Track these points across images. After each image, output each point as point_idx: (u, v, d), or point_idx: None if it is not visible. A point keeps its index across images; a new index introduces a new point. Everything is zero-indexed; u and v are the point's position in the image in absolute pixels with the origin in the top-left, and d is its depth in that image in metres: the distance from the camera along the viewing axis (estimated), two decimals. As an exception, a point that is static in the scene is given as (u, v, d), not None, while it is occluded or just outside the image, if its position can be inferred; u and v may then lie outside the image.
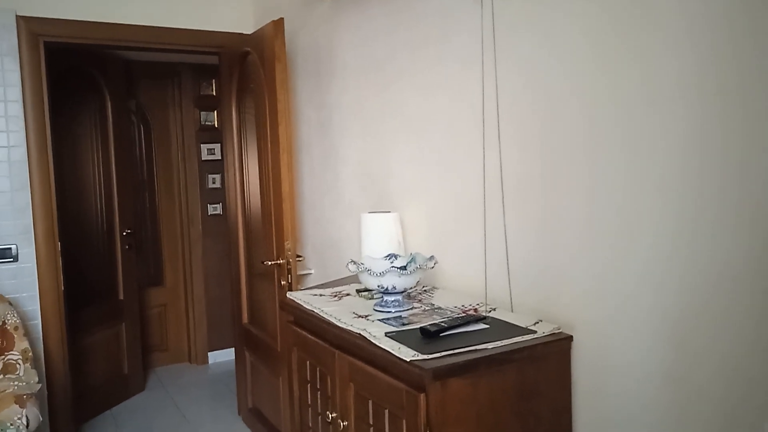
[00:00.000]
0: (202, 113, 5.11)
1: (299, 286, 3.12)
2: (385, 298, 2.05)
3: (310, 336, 2.13)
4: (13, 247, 3.26)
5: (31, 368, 2.86)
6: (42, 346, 3.33)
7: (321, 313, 2.07)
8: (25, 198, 3.27)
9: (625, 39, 1.58)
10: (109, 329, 4.27)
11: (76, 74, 4.05)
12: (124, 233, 4.34)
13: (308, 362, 2.16)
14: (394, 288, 2.02)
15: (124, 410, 4.22)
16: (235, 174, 3.74)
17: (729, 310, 1.40)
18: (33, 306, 3.31)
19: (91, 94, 4.18)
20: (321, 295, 2.35)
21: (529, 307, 1.93)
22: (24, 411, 2.61)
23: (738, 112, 1.35)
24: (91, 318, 4.06)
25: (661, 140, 1.51)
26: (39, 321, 3.33)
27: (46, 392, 3.32)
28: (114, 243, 4.31)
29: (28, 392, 2.74)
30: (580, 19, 1.71)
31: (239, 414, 3.95)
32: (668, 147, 1.50)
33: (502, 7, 1.97)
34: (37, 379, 2.86)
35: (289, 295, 2.41)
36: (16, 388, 2.73)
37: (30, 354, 2.90)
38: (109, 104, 4.25)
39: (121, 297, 4.38)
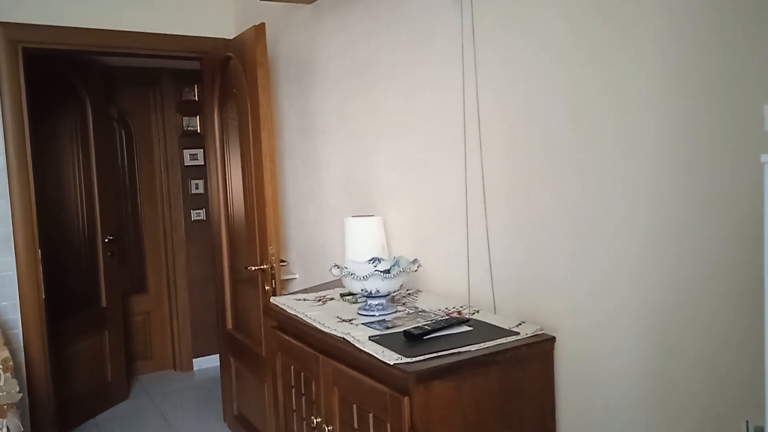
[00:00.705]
0: (185, 119, 5.08)
1: (283, 291, 3.11)
2: (369, 301, 2.06)
3: (294, 341, 2.12)
4: (-7, 255, 3.22)
5: (12, 378, 2.83)
6: (23, 355, 3.29)
7: (305, 318, 2.07)
8: (4, 206, 3.23)
9: (611, 37, 1.60)
10: (92, 337, 4.22)
11: (56, 81, 4.01)
12: (106, 240, 4.30)
13: (292, 367, 2.15)
14: (378, 291, 2.02)
15: (108, 419, 4.18)
16: (217, 179, 3.72)
17: (713, 311, 1.41)
18: (14, 315, 3.27)
19: (71, 101, 4.14)
20: (305, 299, 2.35)
21: (512, 309, 1.94)
22: (5, 421, 2.58)
23: (725, 113, 1.36)
24: (73, 326, 4.01)
25: (647, 141, 1.52)
26: (20, 330, 3.29)
27: (27, 402, 3.27)
28: (96, 250, 4.27)
29: (9, 402, 2.71)
30: (562, 16, 1.72)
31: (225, 420, 3.93)
32: (654, 148, 1.51)
33: (482, 7, 1.98)
34: (18, 388, 2.82)
35: (273, 300, 2.40)
36: (-4, 398, 2.69)
37: (11, 363, 2.86)
38: (89, 111, 4.21)
39: (104, 305, 4.33)
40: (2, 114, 3.21)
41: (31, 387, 3.32)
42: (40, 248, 3.36)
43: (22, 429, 2.67)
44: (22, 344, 3.29)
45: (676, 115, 1.45)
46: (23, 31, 3.26)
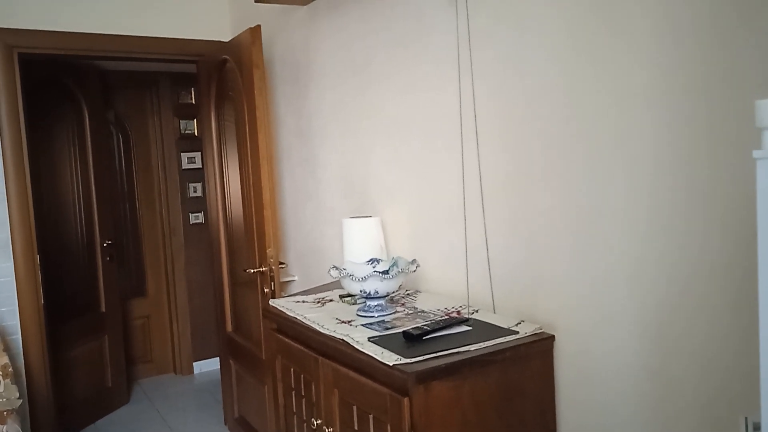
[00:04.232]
0: (182, 122, 5.08)
1: (282, 293, 3.10)
2: (368, 302, 2.06)
3: (293, 343, 2.12)
4: (-9, 261, 3.22)
5: (12, 384, 2.82)
6: (23, 361, 3.28)
7: (304, 320, 2.07)
8: (2, 211, 3.23)
9: (606, 33, 1.60)
10: (92, 342, 4.22)
11: (52, 85, 4.00)
12: (105, 244, 4.30)
13: (292, 369, 2.15)
14: (377, 292, 2.02)
15: (108, 423, 4.17)
16: (215, 182, 3.72)
17: (703, 305, 1.42)
18: (12, 321, 3.26)
19: (68, 105, 4.13)
20: (304, 301, 2.35)
21: (512, 308, 1.94)
22: (5, 427, 2.57)
23: (704, 111, 1.37)
24: (72, 331, 4.01)
25: (644, 138, 1.52)
26: (19, 336, 3.28)
27: (27, 408, 3.27)
28: (94, 255, 4.27)
29: (9, 408, 2.70)
30: (557, 13, 1.72)
31: (225, 423, 3.92)
32: (640, 146, 1.51)
33: (476, 5, 1.98)
34: (18, 394, 2.81)
35: (272, 302, 2.40)
36: (-4, 404, 2.68)
37: (10, 369, 2.85)
38: (86, 115, 4.20)
39: (103, 309, 4.33)
40: (-1, 119, 3.20)
41: (30, 393, 3.31)
42: (38, 253, 3.36)
43: (22, 435, 2.67)
44: (21, 350, 3.28)
45: (673, 111, 1.45)
46: (19, 36, 3.25)
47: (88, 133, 4.21)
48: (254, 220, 3.13)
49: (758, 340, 0.82)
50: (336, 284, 2.48)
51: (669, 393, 1.52)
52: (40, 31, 3.30)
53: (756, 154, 0.84)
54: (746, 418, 0.84)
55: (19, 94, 3.28)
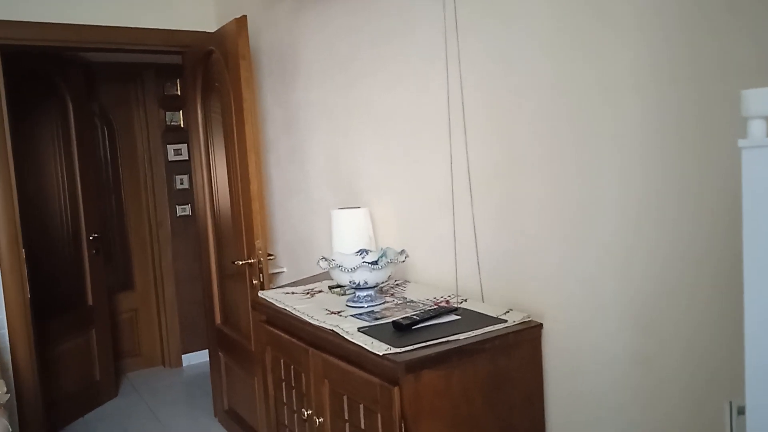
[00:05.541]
0: (168, 113, 5.04)
1: (271, 285, 3.10)
2: (358, 293, 2.06)
3: (283, 334, 2.12)
4: (-24, 256, 3.18)
5: (-1, 379, 2.80)
6: (9, 356, 3.26)
7: (293, 311, 2.07)
8: (-14, 205, 3.20)
9: (594, 23, 1.60)
10: (79, 336, 4.19)
11: (35, 78, 3.95)
12: (91, 238, 4.27)
13: (282, 361, 2.16)
14: (366, 283, 2.02)
15: (97, 417, 4.16)
16: (202, 174, 3.70)
17: (691, 294, 1.43)
18: (-2, 316, 3.24)
19: (51, 98, 4.08)
20: (293, 293, 2.35)
21: (500, 297, 1.96)
22: (-7, 422, 2.56)
23: (694, 102, 1.38)
24: (60, 326, 3.98)
25: (622, 129, 1.53)
26: (5, 331, 3.26)
27: (15, 403, 3.25)
28: (81, 248, 4.24)
29: (-3, 403, 2.68)
30: (545, 3, 1.73)
31: (215, 416, 3.92)
32: (629, 136, 1.52)
33: None
34: (5, 389, 2.79)
35: (261, 294, 2.40)
36: (-17, 399, 2.67)
37: (-3, 364, 2.84)
38: (70, 107, 4.16)
39: (91, 303, 4.30)
40: (-19, 112, 3.16)
41: (18, 388, 3.29)
42: (24, 248, 3.33)
43: (10, 430, 2.65)
44: (8, 345, 3.26)
45: (663, 102, 1.45)
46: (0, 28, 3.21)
47: (73, 125, 4.17)
48: (242, 212, 3.12)
49: (742, 329, 0.83)
50: (325, 275, 2.48)
51: (655, 380, 1.54)
52: (21, 22, 3.25)
53: (741, 143, 0.85)
54: (731, 402, 0.85)
55: (2, 86, 3.23)
